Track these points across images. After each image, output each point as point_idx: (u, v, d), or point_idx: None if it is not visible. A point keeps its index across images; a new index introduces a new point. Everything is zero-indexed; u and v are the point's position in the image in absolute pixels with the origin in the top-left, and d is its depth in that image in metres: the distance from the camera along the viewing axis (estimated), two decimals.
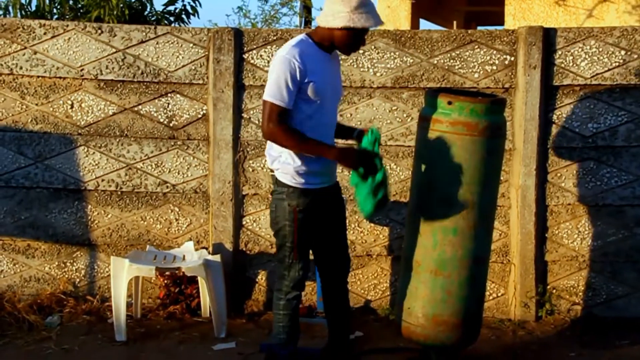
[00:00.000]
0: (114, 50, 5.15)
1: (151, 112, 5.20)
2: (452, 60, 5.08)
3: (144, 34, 5.15)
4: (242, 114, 5.20)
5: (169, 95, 5.20)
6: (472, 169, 3.99)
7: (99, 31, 5.13)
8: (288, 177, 3.76)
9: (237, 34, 5.14)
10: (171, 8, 8.36)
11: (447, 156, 3.97)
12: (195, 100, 5.20)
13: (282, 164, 3.75)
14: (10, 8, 8.02)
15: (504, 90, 5.06)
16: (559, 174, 5.07)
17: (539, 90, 4.98)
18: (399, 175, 5.18)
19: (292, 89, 3.59)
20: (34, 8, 8.03)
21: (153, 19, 8.37)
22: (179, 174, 5.25)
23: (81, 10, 8.13)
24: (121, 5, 7.87)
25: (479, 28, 13.44)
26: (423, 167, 4.08)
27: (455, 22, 10.45)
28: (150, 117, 5.20)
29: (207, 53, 5.15)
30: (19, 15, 7.91)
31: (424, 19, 10.72)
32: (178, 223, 5.30)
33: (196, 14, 8.57)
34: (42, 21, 5.19)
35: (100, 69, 5.15)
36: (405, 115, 5.14)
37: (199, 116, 5.21)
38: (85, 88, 5.18)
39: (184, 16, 8.46)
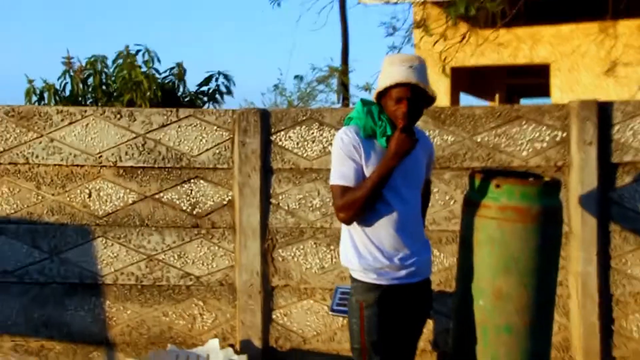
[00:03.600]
0: (133, 135, 4.85)
1: (173, 199, 4.85)
2: (497, 138, 4.66)
3: (165, 117, 4.85)
4: (270, 200, 4.82)
5: (192, 181, 4.85)
6: (525, 259, 3.53)
7: (118, 116, 4.85)
8: (357, 272, 3.33)
9: (264, 114, 4.81)
10: (205, 88, 8.20)
11: (496, 245, 3.51)
12: (220, 185, 4.84)
13: (350, 261, 3.34)
14: (45, 94, 7.91)
15: (556, 168, 4.60)
16: (623, 260, 4.55)
17: (596, 168, 4.51)
18: (443, 262, 4.71)
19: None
20: (67, 93, 7.94)
21: (187, 99, 8.21)
22: (203, 265, 4.86)
23: (114, 94, 7.99)
24: (154, 87, 7.72)
25: (523, 101, 13.05)
26: (469, 256, 3.62)
27: (497, 96, 10.05)
28: (173, 205, 4.85)
29: (232, 136, 4.82)
30: (53, 101, 7.80)
31: (464, 92, 10.35)
32: (203, 318, 4.87)
33: (231, 94, 8.40)
34: (60, 107, 4.94)
35: (120, 155, 4.84)
36: (447, 197, 4.70)
37: (224, 203, 4.84)
38: (104, 176, 4.87)
39: (217, 96, 8.30)
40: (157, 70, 7.89)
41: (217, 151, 4.84)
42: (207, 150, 4.84)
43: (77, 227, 4.87)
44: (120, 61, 7.90)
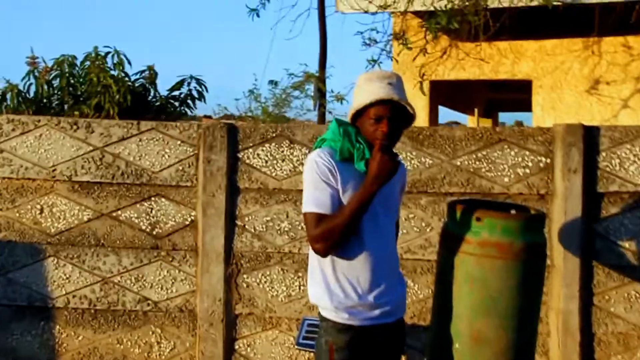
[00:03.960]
0: (91, 148, 4.52)
1: (132, 218, 4.53)
2: (478, 162, 4.39)
3: (125, 130, 4.52)
4: (236, 221, 4.51)
5: (153, 199, 4.54)
6: (505, 299, 3.27)
7: (75, 127, 4.52)
8: (327, 311, 3.03)
9: (231, 130, 4.50)
10: (177, 93, 7.92)
11: (475, 284, 3.25)
12: (182, 204, 4.53)
13: (319, 297, 3.03)
14: (7, 95, 7.55)
15: (539, 196, 4.34)
16: (606, 297, 4.29)
17: (581, 198, 4.26)
18: (417, 294, 4.44)
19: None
20: (32, 95, 7.60)
21: (157, 104, 7.92)
22: (162, 289, 4.54)
23: (81, 98, 7.67)
24: (123, 91, 7.42)
25: (502, 118, 12.82)
26: (446, 294, 3.35)
27: (477, 110, 9.82)
28: (131, 224, 4.53)
29: (196, 151, 4.51)
30: (15, 102, 7.46)
31: (443, 106, 10.10)
32: (160, 347, 4.55)
33: (203, 99, 8.13)
34: (11, 116, 4.59)
35: (75, 169, 4.51)
36: (423, 224, 4.43)
37: (187, 223, 4.53)
38: (58, 191, 4.53)
39: (189, 101, 8.02)
40: (126, 74, 7.61)
41: (180, 168, 4.52)
42: (169, 166, 4.53)
43: (26, 246, 4.53)
44: (88, 63, 7.62)
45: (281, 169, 4.48)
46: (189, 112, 8.27)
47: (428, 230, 4.42)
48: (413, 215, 4.43)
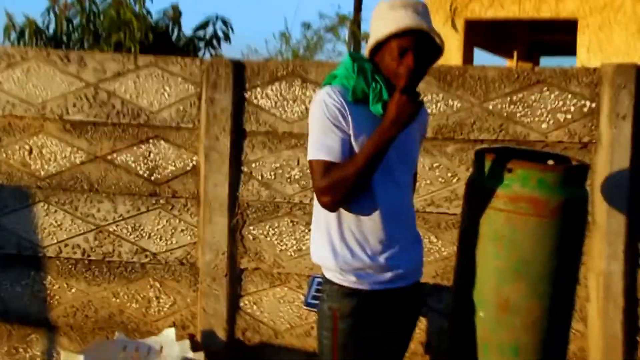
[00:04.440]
0: (83, 84, 4.10)
1: (128, 162, 4.14)
2: (512, 106, 3.89)
3: (122, 64, 4.09)
4: (242, 168, 4.09)
5: (151, 141, 4.13)
6: (539, 263, 2.84)
7: (66, 60, 4.10)
8: (331, 272, 2.62)
9: (237, 67, 4.05)
10: (201, 33, 7.51)
11: (504, 244, 2.82)
12: (183, 148, 4.12)
13: (323, 257, 2.63)
14: (26, 32, 7.20)
15: (581, 145, 3.84)
16: None
17: (630, 148, 3.75)
18: (441, 251, 4.00)
19: None
20: (51, 32, 7.26)
21: (181, 44, 7.54)
22: (161, 240, 4.17)
23: (102, 35, 7.29)
24: (144, 29, 7.03)
25: (544, 63, 12.13)
26: (470, 255, 2.91)
27: (515, 53, 9.18)
28: (127, 169, 4.14)
29: (199, 90, 4.07)
30: (34, 40, 7.13)
31: (479, 49, 9.48)
32: (159, 302, 4.20)
33: (228, 40, 7.73)
34: None
35: (67, 107, 4.11)
36: (449, 174, 3.96)
37: (188, 169, 4.13)
38: (48, 130, 4.14)
39: (215, 42, 7.63)
40: (148, 11, 7.24)
41: (181, 107, 4.10)
42: (169, 105, 4.10)
43: (14, 189, 4.17)
44: None
45: (292, 111, 4.03)
46: (213, 53, 7.90)
47: (454, 181, 3.96)
48: (438, 164, 3.96)
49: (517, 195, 2.78)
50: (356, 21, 14.77)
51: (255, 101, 4.05)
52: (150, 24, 7.18)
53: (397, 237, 2.63)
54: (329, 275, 2.63)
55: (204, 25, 7.47)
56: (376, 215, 2.57)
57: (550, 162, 3.04)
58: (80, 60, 4.09)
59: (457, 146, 3.96)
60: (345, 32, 15.08)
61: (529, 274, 2.81)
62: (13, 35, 6.95)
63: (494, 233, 2.83)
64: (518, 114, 3.89)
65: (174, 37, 7.57)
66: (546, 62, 11.87)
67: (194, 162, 4.12)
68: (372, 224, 2.58)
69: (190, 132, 4.11)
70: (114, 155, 4.14)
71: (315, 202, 2.60)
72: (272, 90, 4.04)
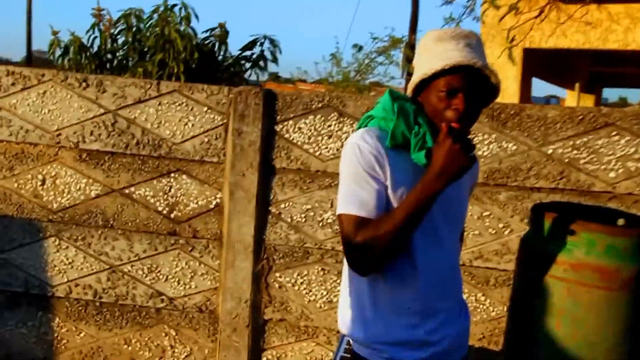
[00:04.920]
0: (102, 110, 3.77)
1: (147, 196, 3.79)
2: (575, 151, 3.43)
3: (143, 90, 3.75)
4: (270, 208, 3.71)
5: (172, 175, 3.77)
6: (605, 345, 2.41)
7: (84, 84, 3.78)
8: (360, 346, 2.21)
9: (268, 97, 3.67)
10: (248, 53, 7.21)
11: (564, 320, 2.41)
12: (206, 184, 3.75)
13: (352, 328, 2.22)
14: (70, 49, 7.01)
15: None
16: None
17: None
18: (489, 310, 3.54)
19: None
20: (96, 49, 7.06)
21: (227, 64, 7.26)
22: (179, 284, 3.80)
23: (147, 54, 7.06)
24: (189, 48, 6.77)
25: (607, 94, 11.47)
26: (523, 328, 2.49)
27: (578, 85, 8.64)
28: (146, 204, 3.78)
29: (226, 121, 3.70)
30: (78, 57, 6.93)
31: (538, 78, 8.96)
32: (174, 352, 3.83)
33: (276, 61, 7.43)
34: (11, 68, 3.86)
35: (83, 134, 3.78)
36: (501, 225, 3.51)
37: (211, 206, 3.76)
38: (62, 159, 3.82)
39: (262, 63, 7.33)
40: (194, 30, 6.99)
41: (206, 139, 3.74)
42: (193, 137, 3.74)
43: (24, 222, 3.85)
44: (155, 16, 7.03)
45: (327, 147, 3.64)
46: (260, 75, 7.60)
47: (506, 232, 3.51)
48: (488, 213, 3.52)
49: (580, 263, 2.36)
50: (410, 44, 14.37)
51: (286, 135, 3.67)
52: (195, 43, 6.94)
53: (440, 308, 2.21)
54: (357, 348, 2.22)
55: (251, 45, 7.19)
56: (416, 281, 2.15)
57: (621, 221, 2.58)
58: (99, 84, 3.77)
59: (510, 193, 3.51)
60: (399, 55, 14.69)
61: (594, 357, 2.38)
62: (58, 52, 6.78)
63: (552, 306, 2.41)
64: (581, 160, 3.43)
65: (220, 56, 7.32)
66: (608, 93, 11.28)
67: (218, 200, 3.75)
68: (411, 292, 2.15)
69: (215, 166, 3.74)
70: (132, 189, 3.79)
71: (345, 262, 2.19)
72: (305, 123, 3.65)
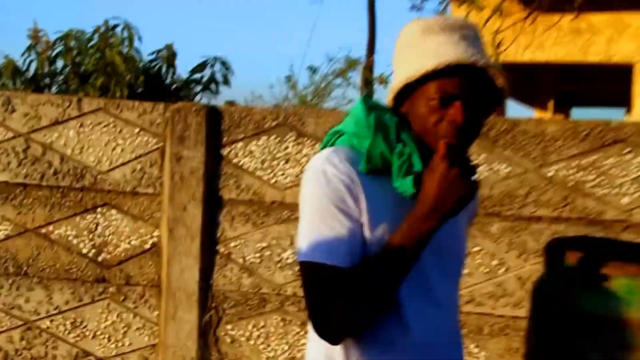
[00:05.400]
0: (11, 134, 3.18)
1: (68, 236, 3.24)
2: (581, 172, 2.91)
3: (61, 110, 3.18)
4: (218, 247, 3.14)
5: (99, 210, 3.21)
6: None
7: None
8: None
9: (212, 115, 3.10)
10: (198, 76, 6.79)
11: None
12: (140, 220, 3.18)
13: None
14: (3, 73, 6.51)
15: None
16: None
17: None
18: None
19: None
20: (33, 73, 6.55)
21: (175, 87, 6.83)
22: (109, 341, 3.24)
23: (89, 78, 6.57)
24: (133, 70, 6.30)
25: (576, 112, 11.12)
26: None
27: (550, 103, 8.23)
28: (67, 245, 3.22)
29: (162, 144, 3.12)
30: (11, 82, 6.44)
31: (514, 100, 8.55)
32: None
33: (228, 84, 7.02)
34: None
35: None
36: (494, 262, 2.97)
37: (146, 247, 3.21)
38: None
39: (212, 86, 6.91)
40: (138, 51, 6.52)
41: (139, 167, 3.17)
42: (123, 164, 3.19)
43: None
44: (96, 37, 6.55)
45: (284, 174, 3.09)
46: (211, 99, 7.21)
47: (501, 271, 2.97)
48: (479, 248, 2.98)
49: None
50: (368, 66, 14.02)
51: (235, 160, 3.11)
52: (140, 66, 6.53)
53: None
54: None
55: (200, 67, 6.79)
56: (406, 347, 1.57)
57: None
58: (7, 102, 3.17)
59: (504, 224, 2.97)
60: (357, 77, 14.31)
61: None
62: None
63: None
64: (588, 184, 2.91)
65: (167, 80, 6.91)
66: (579, 113, 10.83)
67: (155, 239, 3.20)
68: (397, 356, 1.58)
69: (150, 199, 3.18)
70: (50, 227, 3.23)
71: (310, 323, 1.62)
72: (257, 146, 3.10)
